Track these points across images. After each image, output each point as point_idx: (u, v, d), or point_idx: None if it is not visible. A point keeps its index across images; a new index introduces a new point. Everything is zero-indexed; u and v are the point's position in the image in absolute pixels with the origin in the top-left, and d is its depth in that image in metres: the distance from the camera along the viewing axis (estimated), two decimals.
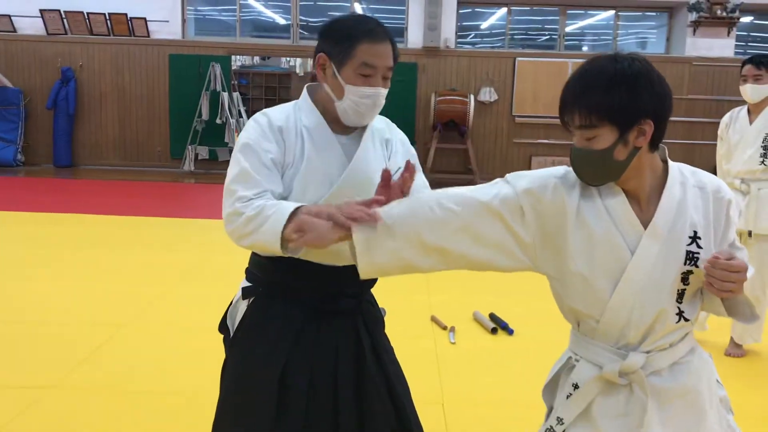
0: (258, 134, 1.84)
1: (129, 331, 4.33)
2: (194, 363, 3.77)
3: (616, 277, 1.55)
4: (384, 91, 1.87)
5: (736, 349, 4.22)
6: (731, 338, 4.24)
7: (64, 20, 12.21)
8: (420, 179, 2.04)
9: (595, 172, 1.55)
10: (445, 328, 4.49)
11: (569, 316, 1.68)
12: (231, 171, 1.82)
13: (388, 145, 2.01)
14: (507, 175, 1.66)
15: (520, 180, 1.62)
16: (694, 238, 1.57)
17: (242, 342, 1.95)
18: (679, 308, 1.58)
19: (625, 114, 1.49)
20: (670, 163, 1.63)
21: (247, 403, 1.88)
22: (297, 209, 1.67)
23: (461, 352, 4.15)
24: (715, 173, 4.23)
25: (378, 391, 1.94)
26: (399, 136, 2.06)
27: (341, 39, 1.83)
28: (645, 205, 1.58)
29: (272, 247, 1.68)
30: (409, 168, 1.70)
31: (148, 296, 5.01)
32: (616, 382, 1.59)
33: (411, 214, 1.60)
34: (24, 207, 8.48)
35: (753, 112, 4.15)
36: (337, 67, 1.84)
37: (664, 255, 1.55)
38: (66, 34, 12.32)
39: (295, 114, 1.91)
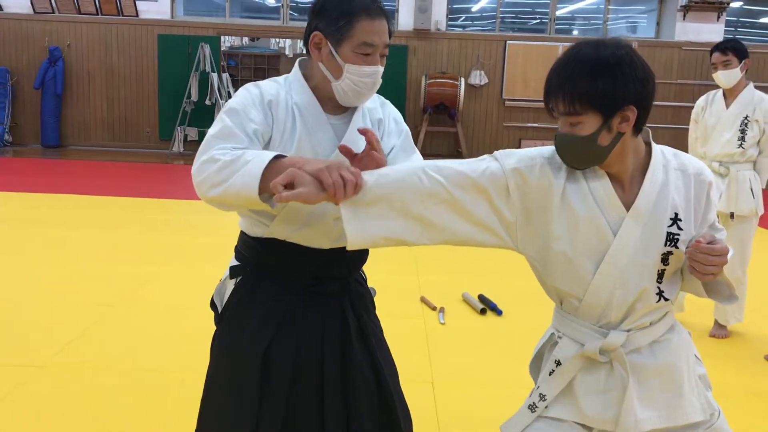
0: (247, 102, 1.80)
1: (119, 311, 4.34)
2: (184, 342, 3.79)
3: (599, 258, 1.59)
4: (381, 69, 1.83)
5: (720, 330, 4.28)
6: (715, 320, 4.30)
7: None
8: (416, 157, 2.01)
9: (579, 157, 1.58)
10: (434, 308, 4.53)
11: (552, 294, 1.71)
12: (213, 128, 1.76)
13: (380, 125, 1.97)
14: (495, 152, 1.67)
15: (509, 158, 1.64)
16: (675, 219, 1.60)
17: (229, 320, 1.95)
18: (659, 288, 1.62)
19: (608, 101, 1.51)
20: (654, 145, 1.66)
21: (233, 380, 1.89)
22: (279, 156, 1.61)
23: (450, 333, 4.19)
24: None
25: (363, 374, 1.93)
26: (393, 114, 2.03)
27: (338, 16, 1.77)
28: (628, 188, 1.61)
29: (248, 192, 1.58)
30: (367, 137, 1.68)
31: (138, 276, 5.02)
32: (597, 360, 1.63)
33: (399, 182, 1.60)
34: (11, 187, 8.43)
35: (728, 96, 4.22)
36: (334, 46, 1.79)
37: (645, 236, 1.59)
38: (53, 12, 12.19)
39: (286, 90, 1.87)
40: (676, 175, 1.63)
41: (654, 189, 1.60)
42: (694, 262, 1.53)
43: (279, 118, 1.82)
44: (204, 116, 11.99)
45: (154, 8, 12.27)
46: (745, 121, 4.10)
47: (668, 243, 1.60)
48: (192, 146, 12.14)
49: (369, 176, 1.59)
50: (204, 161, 1.67)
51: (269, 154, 1.61)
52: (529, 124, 12.53)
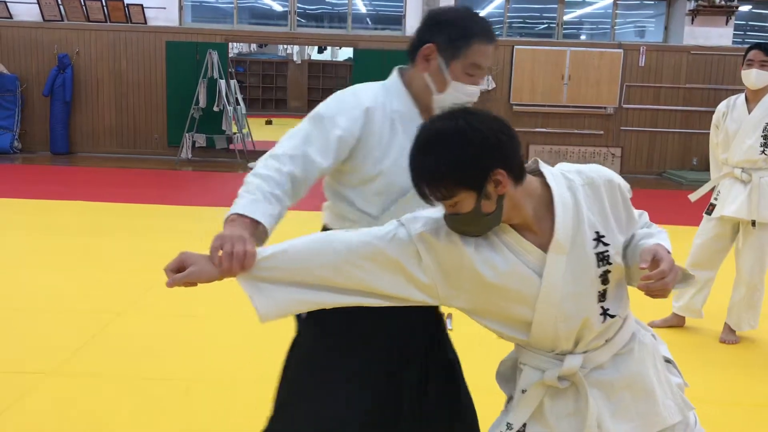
0: (337, 109, 1.82)
1: (126, 318, 4.35)
2: (191, 350, 3.78)
3: (532, 302, 1.54)
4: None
5: (730, 336, 4.23)
6: (725, 324, 4.25)
7: (61, 6, 12.15)
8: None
9: (474, 229, 1.53)
10: (442, 314, 4.50)
11: (497, 334, 1.67)
12: (294, 127, 1.81)
13: None
14: (402, 217, 1.62)
15: (414, 223, 1.58)
16: (598, 238, 1.55)
17: (316, 322, 1.92)
18: (602, 308, 1.57)
19: (470, 178, 1.45)
20: (548, 172, 1.59)
21: (324, 379, 1.93)
22: (231, 215, 1.64)
23: (458, 339, 4.13)
24: (709, 162, 4.25)
25: (439, 374, 2.08)
26: None
27: (457, 35, 1.82)
28: (539, 228, 1.55)
29: None
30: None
31: (145, 284, 5.02)
32: (558, 387, 1.60)
33: (302, 256, 1.57)
34: (21, 194, 8.46)
35: (751, 100, 4.09)
36: (445, 62, 1.83)
37: (573, 266, 1.53)
38: (62, 20, 12.27)
39: (385, 96, 1.89)
40: (584, 192, 1.56)
41: (567, 215, 1.53)
42: (653, 291, 1.47)
43: (377, 127, 1.84)
44: (212, 123, 12.01)
45: (162, 15, 12.32)
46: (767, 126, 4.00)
47: (601, 263, 1.54)
48: (200, 153, 12.17)
49: (268, 250, 1.57)
50: (263, 158, 1.76)
51: (237, 207, 1.65)
52: (538, 129, 12.49)
